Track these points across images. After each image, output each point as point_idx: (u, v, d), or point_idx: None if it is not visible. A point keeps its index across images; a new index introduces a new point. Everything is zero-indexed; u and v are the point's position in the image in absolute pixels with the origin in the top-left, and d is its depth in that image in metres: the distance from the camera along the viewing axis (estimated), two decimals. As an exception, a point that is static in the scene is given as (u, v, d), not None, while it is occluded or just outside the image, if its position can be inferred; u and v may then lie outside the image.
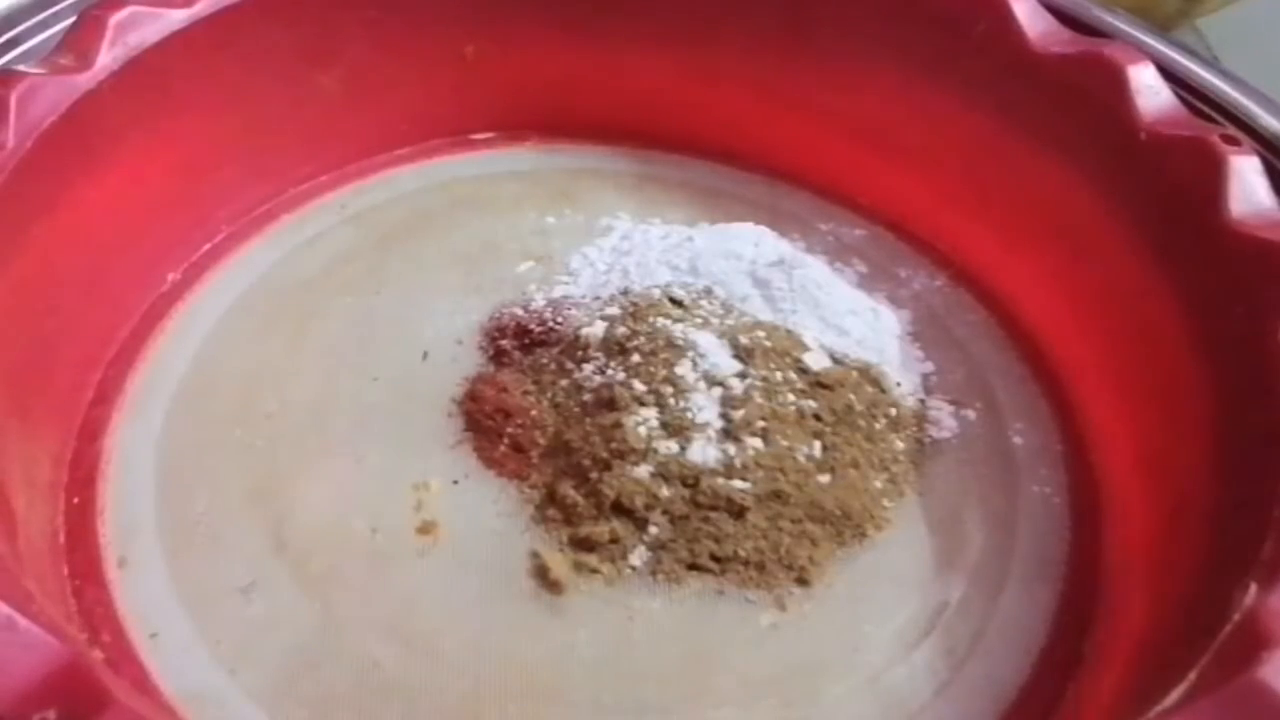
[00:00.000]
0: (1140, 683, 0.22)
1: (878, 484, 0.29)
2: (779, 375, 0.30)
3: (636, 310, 0.31)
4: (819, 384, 0.30)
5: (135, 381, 0.32)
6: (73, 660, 0.18)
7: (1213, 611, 0.20)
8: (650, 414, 0.29)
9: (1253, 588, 0.19)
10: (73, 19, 0.30)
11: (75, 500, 0.28)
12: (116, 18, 0.30)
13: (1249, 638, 0.18)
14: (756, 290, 0.33)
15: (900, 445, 0.31)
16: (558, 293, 0.34)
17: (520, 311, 0.33)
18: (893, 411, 0.31)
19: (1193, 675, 0.18)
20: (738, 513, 0.27)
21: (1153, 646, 0.23)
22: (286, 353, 0.33)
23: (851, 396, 0.30)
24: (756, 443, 0.28)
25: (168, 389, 0.31)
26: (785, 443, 0.28)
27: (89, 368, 0.31)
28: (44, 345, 0.29)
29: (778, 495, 0.27)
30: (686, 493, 0.27)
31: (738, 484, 0.27)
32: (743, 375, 0.29)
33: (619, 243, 0.36)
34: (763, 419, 0.28)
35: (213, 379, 0.32)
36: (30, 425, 0.28)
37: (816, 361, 0.30)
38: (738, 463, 0.28)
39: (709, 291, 0.32)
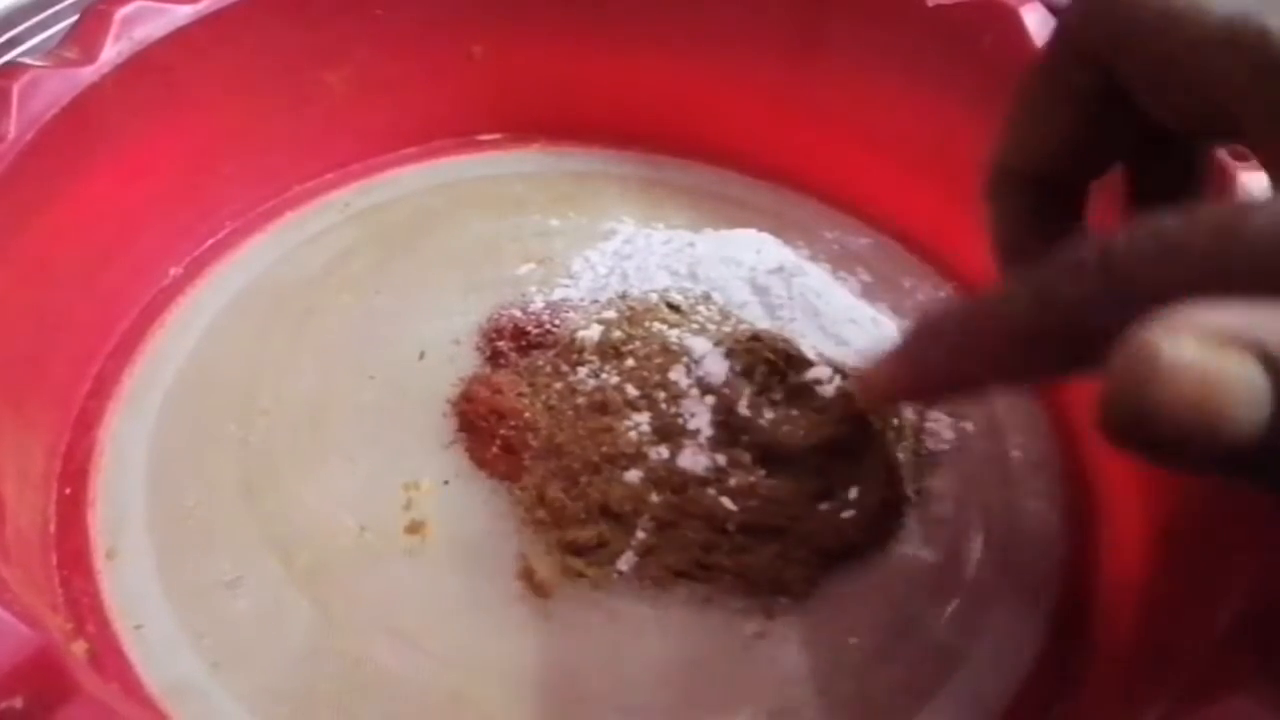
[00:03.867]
0: (1126, 706, 0.22)
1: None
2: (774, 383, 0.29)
3: (633, 314, 0.31)
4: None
5: (132, 374, 0.32)
6: (42, 648, 0.18)
7: (1199, 635, 0.20)
8: (642, 419, 0.28)
9: (1237, 614, 0.19)
10: (74, 18, 0.30)
11: (67, 491, 0.29)
12: (122, 12, 0.30)
13: (1231, 662, 0.18)
14: (755, 297, 0.32)
15: (899, 456, 0.30)
16: (557, 295, 0.34)
17: (518, 313, 0.33)
18: (894, 421, 0.31)
19: (1173, 700, 0.18)
20: (721, 526, 0.27)
21: (1139, 669, 0.23)
22: (284, 350, 0.33)
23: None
24: (745, 457, 0.28)
25: (164, 383, 0.32)
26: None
27: (87, 360, 0.31)
28: (42, 337, 0.29)
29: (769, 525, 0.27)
30: (675, 499, 0.27)
31: (725, 501, 0.27)
32: (737, 382, 0.29)
33: (621, 246, 0.36)
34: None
35: (209, 374, 0.32)
36: (26, 416, 0.28)
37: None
38: (731, 482, 0.27)
39: (707, 297, 0.32)
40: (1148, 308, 0.16)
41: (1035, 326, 0.19)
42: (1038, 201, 0.25)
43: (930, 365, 0.24)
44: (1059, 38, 0.23)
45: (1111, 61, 0.22)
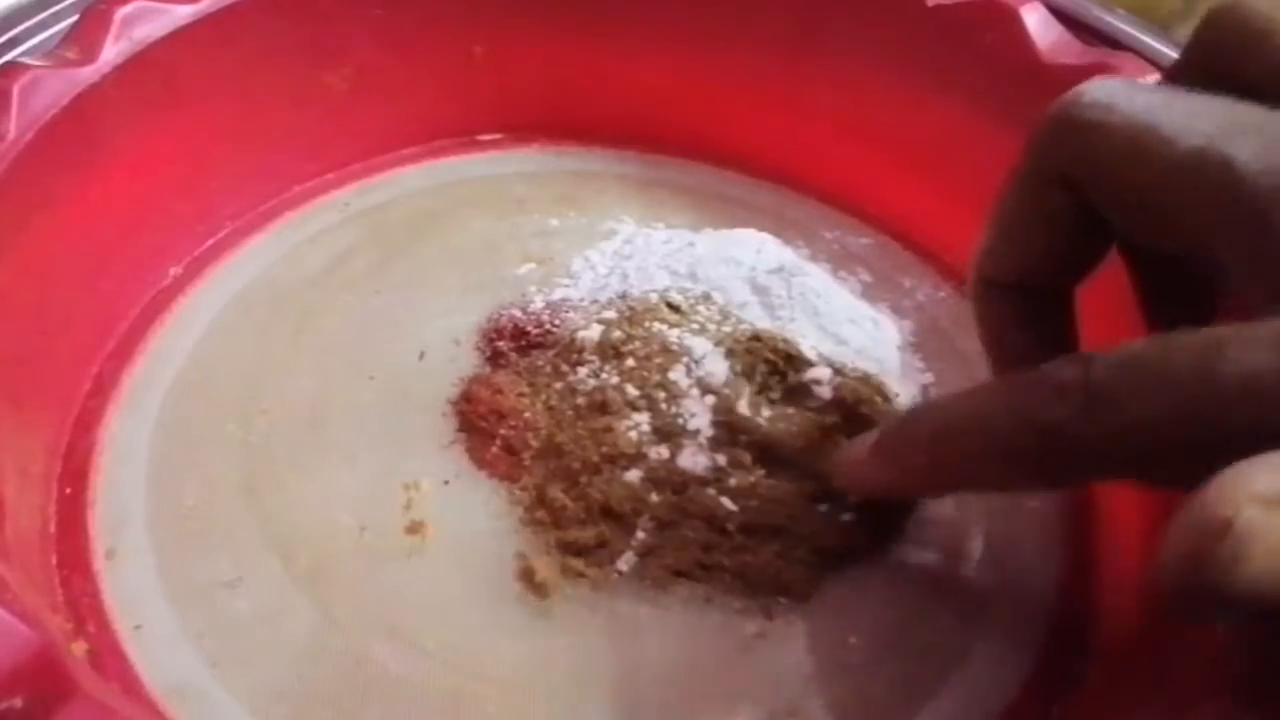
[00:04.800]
0: (1125, 707, 0.22)
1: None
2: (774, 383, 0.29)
3: (633, 314, 0.31)
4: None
5: (133, 374, 0.32)
6: (42, 648, 0.18)
7: (1197, 637, 0.20)
8: (642, 419, 0.28)
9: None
10: (74, 18, 0.30)
11: (67, 491, 0.29)
12: (122, 12, 0.30)
13: (1228, 665, 0.18)
14: (755, 297, 0.32)
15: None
16: (557, 295, 0.34)
17: (518, 313, 0.33)
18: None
19: (1171, 701, 0.18)
20: (721, 527, 0.27)
21: (1138, 671, 0.23)
22: (284, 350, 0.33)
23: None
24: (745, 457, 0.28)
25: (164, 382, 0.32)
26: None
27: (87, 360, 0.31)
28: (42, 337, 0.29)
29: (769, 524, 0.27)
30: (675, 499, 0.27)
31: (725, 501, 0.27)
32: (737, 382, 0.29)
33: (621, 246, 0.36)
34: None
35: (210, 374, 0.32)
36: (25, 416, 0.28)
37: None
38: (731, 482, 0.27)
39: (707, 297, 0.32)
40: (1134, 437, 0.17)
41: (1015, 446, 0.20)
42: (1022, 306, 0.25)
43: (909, 469, 0.24)
44: (1031, 156, 0.23)
45: (1082, 186, 0.22)
